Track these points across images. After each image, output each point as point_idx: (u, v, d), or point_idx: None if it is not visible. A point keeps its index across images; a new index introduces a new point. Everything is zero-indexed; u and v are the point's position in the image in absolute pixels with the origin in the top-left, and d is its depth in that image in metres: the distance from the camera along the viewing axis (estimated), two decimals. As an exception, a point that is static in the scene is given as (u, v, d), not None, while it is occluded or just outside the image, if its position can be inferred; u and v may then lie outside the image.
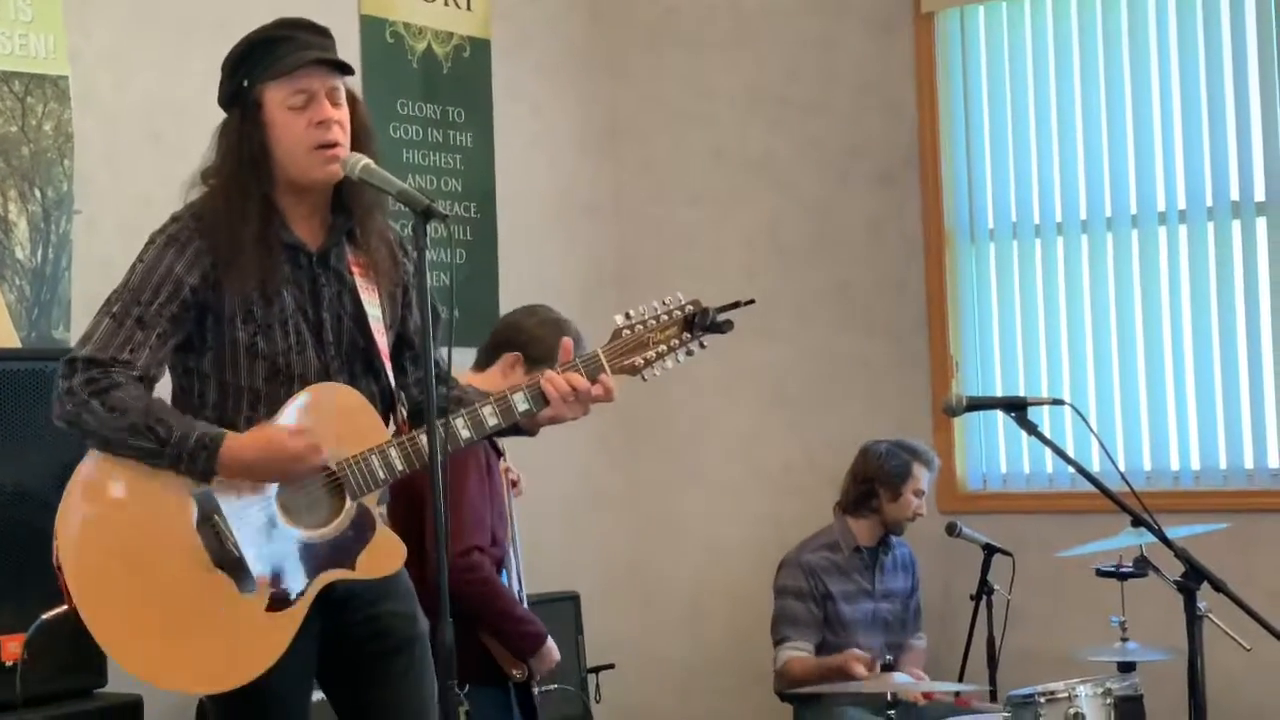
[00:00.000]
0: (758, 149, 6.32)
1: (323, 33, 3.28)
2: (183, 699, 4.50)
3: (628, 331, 3.27)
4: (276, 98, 3.20)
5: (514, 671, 4.25)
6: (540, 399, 3.25)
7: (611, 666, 5.74)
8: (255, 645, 3.11)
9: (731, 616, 6.23)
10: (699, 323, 3.29)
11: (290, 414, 3.16)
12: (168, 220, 3.24)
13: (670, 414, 6.34)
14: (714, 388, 6.30)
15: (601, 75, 6.42)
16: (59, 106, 4.65)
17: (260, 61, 3.20)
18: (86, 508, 3.13)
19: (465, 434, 3.21)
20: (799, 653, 5.25)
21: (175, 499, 3.11)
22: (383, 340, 3.30)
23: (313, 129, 3.17)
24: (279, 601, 3.12)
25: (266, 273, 3.18)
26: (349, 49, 5.48)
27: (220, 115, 3.44)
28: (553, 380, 3.24)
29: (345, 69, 3.25)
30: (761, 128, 6.32)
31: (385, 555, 3.21)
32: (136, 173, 4.82)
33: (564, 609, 5.63)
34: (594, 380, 3.27)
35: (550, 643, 4.31)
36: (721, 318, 3.32)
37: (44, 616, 3.31)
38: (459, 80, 5.89)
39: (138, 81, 4.86)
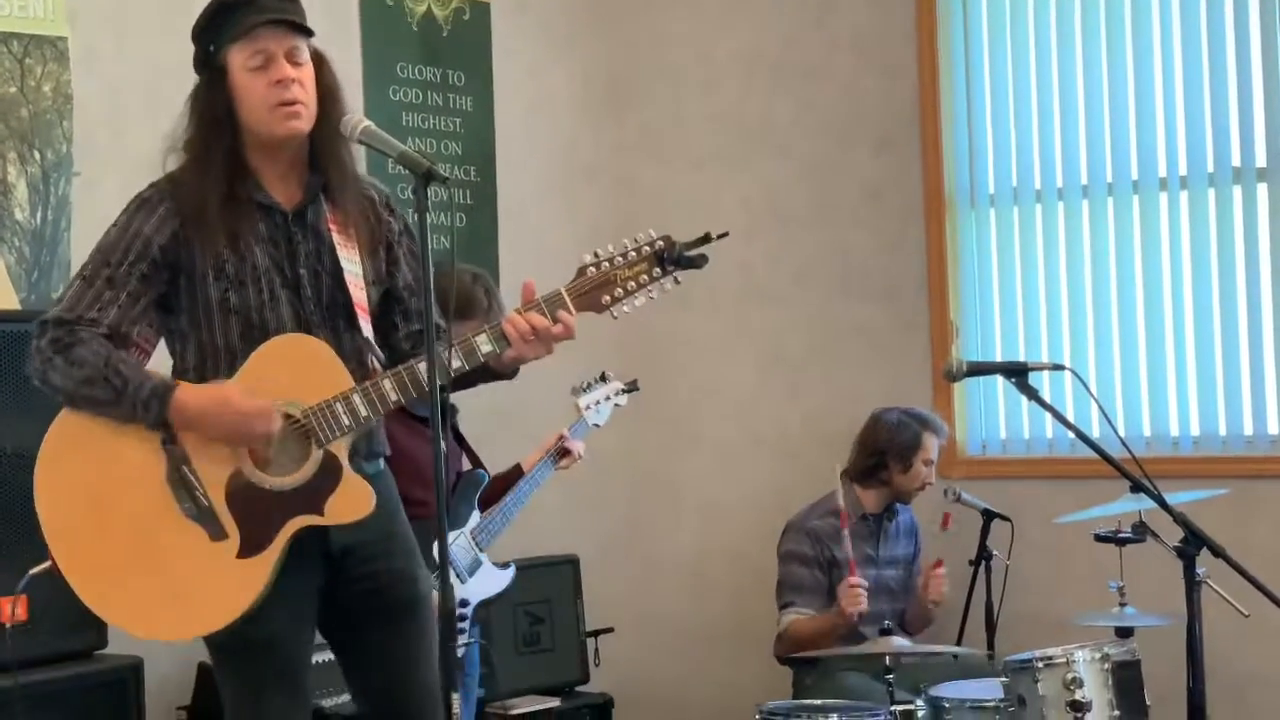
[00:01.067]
0: (757, 113, 6.30)
1: None
2: (184, 658, 4.54)
3: (593, 270, 3.23)
4: (238, 60, 3.26)
5: None
6: (503, 339, 3.24)
7: (610, 630, 5.76)
8: (228, 591, 3.18)
9: (730, 580, 6.25)
10: (668, 258, 3.22)
11: (253, 364, 3.23)
12: (145, 188, 3.32)
13: (669, 378, 6.34)
14: (713, 351, 6.31)
15: (601, 38, 6.40)
16: (58, 68, 4.64)
17: (222, 26, 3.26)
18: (59, 466, 3.25)
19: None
20: (801, 615, 5.25)
21: (144, 451, 3.22)
22: (360, 295, 3.33)
23: (272, 88, 3.23)
24: (250, 548, 3.19)
25: (235, 228, 3.24)
26: (348, 12, 5.48)
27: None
28: (513, 320, 3.22)
29: (303, 30, 3.28)
30: (761, 92, 6.30)
31: (353, 500, 3.23)
32: (136, 134, 4.80)
33: (563, 572, 5.65)
34: (555, 319, 3.24)
35: None
36: (693, 252, 3.23)
37: (31, 572, 3.49)
38: (458, 43, 5.87)
39: (137, 42, 4.84)
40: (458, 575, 4.50)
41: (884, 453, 5.36)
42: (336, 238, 3.32)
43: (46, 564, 3.30)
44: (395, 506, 3.46)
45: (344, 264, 3.30)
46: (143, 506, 3.21)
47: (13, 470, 4.06)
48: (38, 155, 4.61)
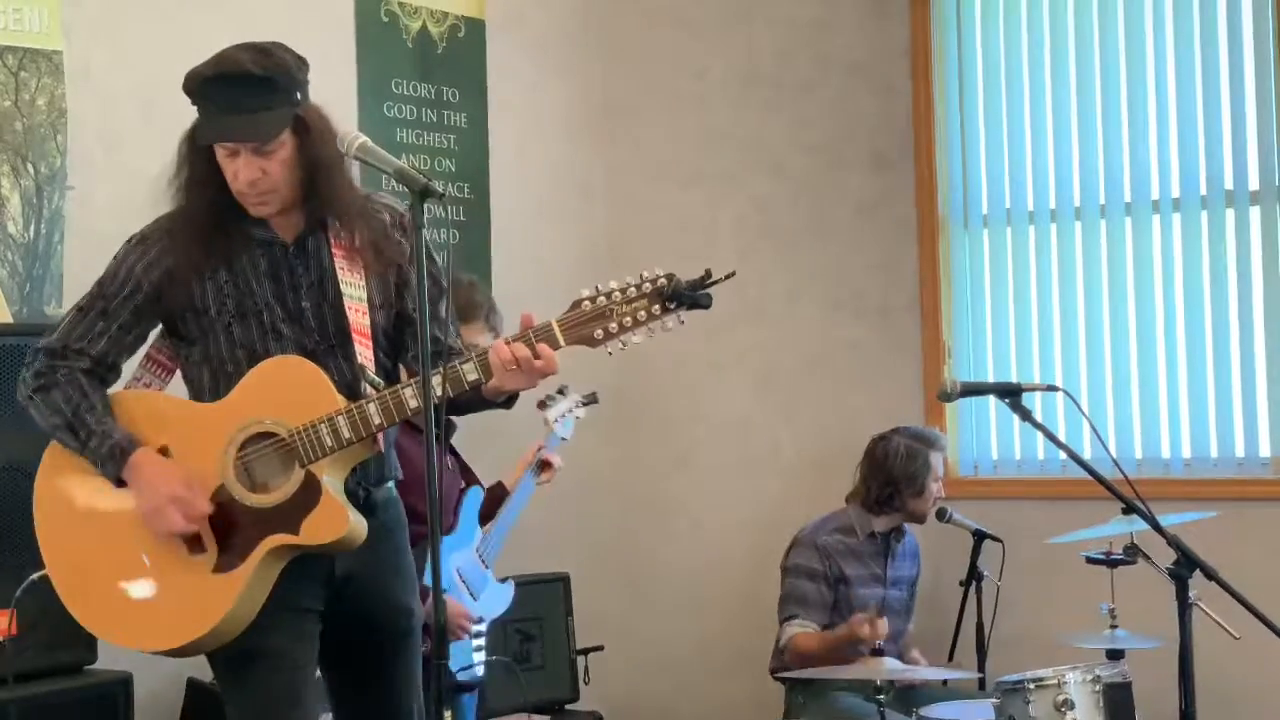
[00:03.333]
0: (751, 131, 6.31)
1: (250, 84, 3.21)
2: (174, 673, 4.52)
3: (588, 303, 3.15)
4: None
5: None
6: (488, 368, 3.19)
7: (600, 648, 5.75)
8: (200, 606, 3.22)
9: (721, 598, 6.24)
10: (671, 296, 3.11)
11: (246, 384, 3.28)
12: (147, 224, 3.37)
13: (660, 396, 6.34)
14: (704, 369, 6.31)
15: (595, 56, 6.41)
16: (53, 81, 4.64)
17: (198, 107, 3.27)
18: (55, 478, 3.37)
19: (413, 404, 3.18)
20: (805, 629, 5.23)
21: None
22: (361, 320, 3.34)
23: (237, 179, 3.25)
24: (226, 564, 3.23)
25: (231, 264, 3.30)
26: (343, 28, 5.48)
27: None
28: (497, 349, 3.18)
29: (252, 137, 3.22)
30: (755, 110, 6.31)
31: (327, 522, 3.23)
32: (130, 149, 4.81)
33: (553, 590, 5.64)
34: (537, 353, 3.17)
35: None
36: (699, 292, 3.11)
37: (30, 578, 3.61)
38: (453, 60, 5.88)
39: (132, 57, 4.84)
40: (471, 593, 4.51)
41: (896, 482, 5.35)
42: (340, 262, 3.33)
43: (41, 572, 3.38)
44: (401, 535, 3.50)
45: (345, 289, 3.32)
46: (128, 518, 3.28)
47: (6, 484, 4.06)
48: (31, 169, 4.61)
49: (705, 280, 3.11)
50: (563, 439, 4.90)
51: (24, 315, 4.54)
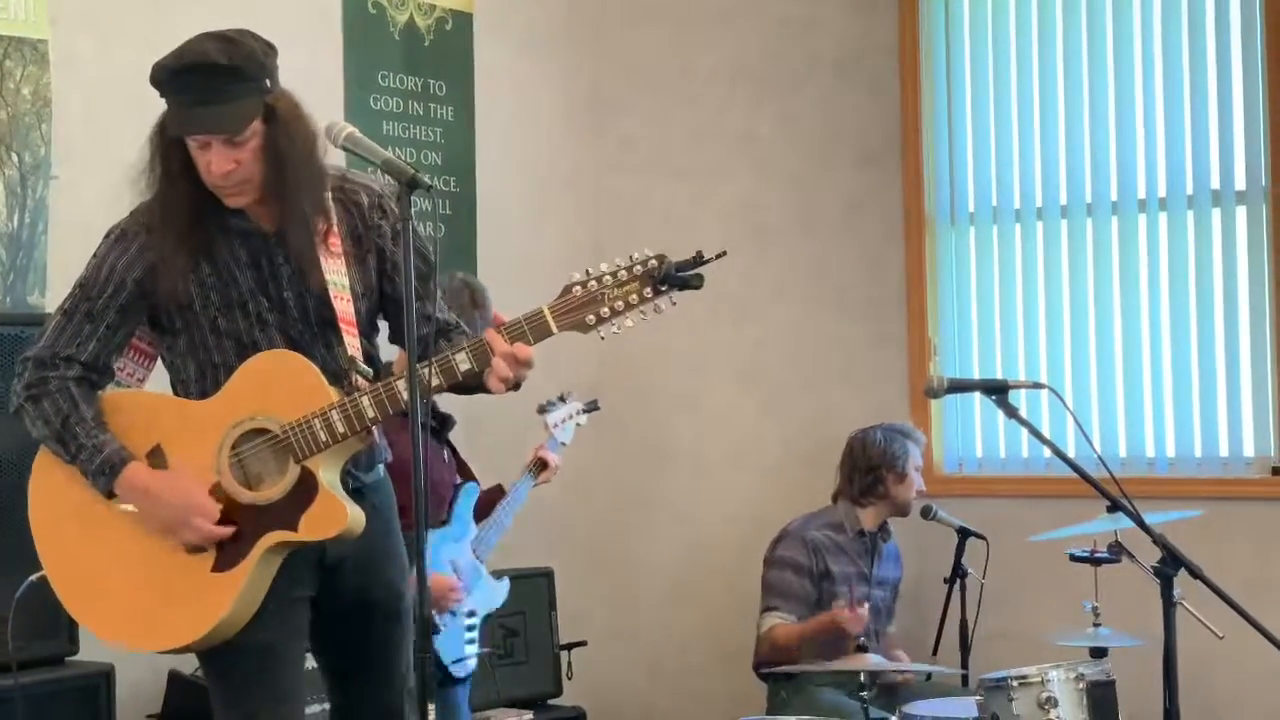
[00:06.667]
0: (738, 127, 6.30)
1: (218, 74, 3.14)
2: (155, 665, 4.51)
3: (579, 288, 3.11)
4: None
5: None
6: (484, 358, 3.14)
7: (584, 643, 5.75)
8: (200, 606, 3.20)
9: (705, 595, 6.24)
10: (660, 278, 3.07)
11: (237, 380, 3.23)
12: (126, 215, 3.31)
13: (646, 391, 6.33)
14: (690, 366, 6.30)
15: (583, 50, 6.40)
16: (38, 70, 4.62)
17: (166, 99, 3.22)
18: (49, 477, 3.30)
19: (407, 396, 3.06)
20: (784, 621, 5.24)
21: None
22: (346, 308, 3.29)
23: (210, 171, 3.19)
24: (224, 562, 3.19)
25: (212, 256, 3.24)
26: (330, 19, 5.46)
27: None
28: (494, 340, 3.14)
29: (221, 129, 3.14)
30: (742, 106, 6.30)
31: (325, 518, 3.20)
32: (115, 138, 4.75)
33: (537, 585, 5.64)
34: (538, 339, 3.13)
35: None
36: (689, 273, 3.07)
37: (30, 578, 3.55)
38: (440, 53, 5.86)
39: (118, 46, 4.81)
40: (465, 588, 4.52)
41: (879, 467, 5.39)
42: (321, 250, 3.26)
43: (40, 574, 3.35)
44: (391, 515, 3.47)
45: (329, 277, 3.26)
46: (125, 518, 3.24)
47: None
48: (15, 158, 4.59)
49: (696, 261, 3.08)
50: (563, 444, 4.94)
51: (8, 305, 4.53)
